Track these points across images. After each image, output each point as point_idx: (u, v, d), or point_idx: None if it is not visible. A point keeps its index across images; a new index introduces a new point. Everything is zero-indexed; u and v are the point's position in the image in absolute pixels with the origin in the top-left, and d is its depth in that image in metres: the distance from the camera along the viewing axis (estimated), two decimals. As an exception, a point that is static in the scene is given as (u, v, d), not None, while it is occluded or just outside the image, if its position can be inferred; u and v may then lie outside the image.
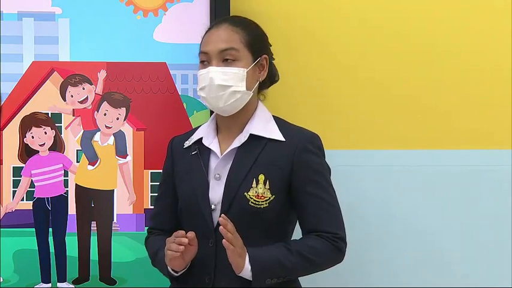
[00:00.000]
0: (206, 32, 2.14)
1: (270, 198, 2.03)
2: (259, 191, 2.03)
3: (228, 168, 2.07)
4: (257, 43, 2.11)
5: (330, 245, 2.03)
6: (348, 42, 2.64)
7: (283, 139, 2.07)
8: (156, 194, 2.27)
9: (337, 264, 2.09)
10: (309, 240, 2.04)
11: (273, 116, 2.15)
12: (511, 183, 2.64)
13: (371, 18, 2.64)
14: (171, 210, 2.18)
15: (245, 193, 2.03)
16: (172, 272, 2.07)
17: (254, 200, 2.02)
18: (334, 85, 2.65)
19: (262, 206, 2.02)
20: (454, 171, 2.64)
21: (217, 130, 2.16)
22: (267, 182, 2.03)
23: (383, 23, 2.64)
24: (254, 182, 2.03)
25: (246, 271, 1.96)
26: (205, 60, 2.09)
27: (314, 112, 2.63)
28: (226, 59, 2.06)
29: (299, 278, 2.14)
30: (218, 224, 2.00)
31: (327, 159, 2.13)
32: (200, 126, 2.21)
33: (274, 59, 2.20)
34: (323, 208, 2.05)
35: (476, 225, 2.65)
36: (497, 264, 2.65)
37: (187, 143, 2.17)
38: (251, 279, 1.97)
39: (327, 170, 2.10)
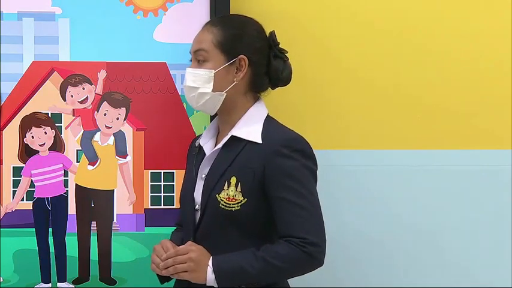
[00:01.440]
0: None
1: (241, 201, 2.00)
2: (230, 194, 2.01)
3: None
4: (232, 43, 2.07)
5: (297, 251, 1.95)
6: (348, 42, 2.64)
7: (260, 141, 2.03)
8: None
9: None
10: (277, 245, 1.98)
11: (268, 116, 2.11)
12: (511, 183, 2.64)
13: (371, 18, 2.64)
14: None
15: (217, 195, 2.02)
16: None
17: (225, 202, 2.01)
18: (334, 85, 2.65)
19: (233, 208, 2.00)
20: (454, 171, 2.64)
21: (219, 130, 2.17)
22: (239, 184, 2.01)
23: (383, 23, 2.64)
24: (226, 184, 2.02)
25: (211, 281, 1.96)
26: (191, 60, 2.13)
27: (314, 112, 2.64)
28: (198, 59, 2.08)
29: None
30: (199, 224, 2.05)
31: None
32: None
33: (283, 58, 2.14)
34: (293, 213, 1.97)
35: (476, 225, 2.65)
36: (497, 264, 2.65)
37: (197, 142, 2.19)
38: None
39: (306, 173, 2.00)
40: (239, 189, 2.01)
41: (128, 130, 2.54)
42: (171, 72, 2.54)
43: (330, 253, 2.01)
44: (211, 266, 1.96)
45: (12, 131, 2.52)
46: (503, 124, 2.65)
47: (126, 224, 2.54)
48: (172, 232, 2.29)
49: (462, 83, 2.65)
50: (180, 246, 2.00)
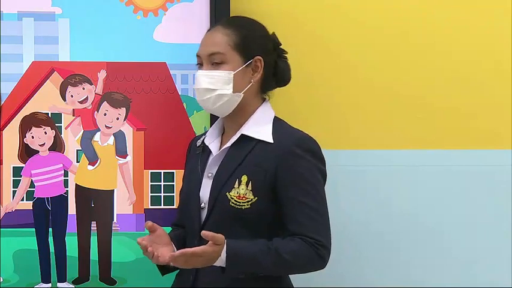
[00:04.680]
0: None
1: (252, 199, 2.01)
2: (241, 192, 2.01)
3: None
4: (249, 45, 2.08)
5: (311, 251, 1.97)
6: (349, 42, 2.64)
7: (272, 141, 2.04)
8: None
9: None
10: (292, 242, 1.98)
11: (276, 117, 2.13)
12: (511, 183, 2.64)
13: (372, 18, 2.64)
14: None
15: (227, 193, 2.02)
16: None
17: (235, 200, 2.01)
18: (334, 85, 2.65)
19: (243, 207, 2.00)
20: (454, 171, 2.64)
21: (224, 130, 2.17)
22: (250, 183, 2.01)
23: (384, 22, 2.64)
24: (237, 182, 2.02)
25: (221, 261, 1.93)
26: (199, 63, 2.11)
27: (314, 112, 2.64)
28: (214, 62, 2.06)
29: (291, 277, 2.13)
30: (204, 223, 2.03)
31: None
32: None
33: (285, 59, 2.16)
34: (306, 214, 1.98)
35: (476, 225, 2.65)
36: (497, 264, 2.65)
37: (198, 142, 2.18)
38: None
39: (316, 175, 2.03)
40: (250, 187, 2.01)
41: (128, 130, 2.54)
42: (171, 72, 2.54)
43: (331, 252, 2.01)
44: (225, 251, 1.92)
45: (12, 131, 2.52)
46: (503, 124, 2.65)
47: (126, 224, 2.54)
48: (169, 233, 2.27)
49: (462, 83, 2.65)
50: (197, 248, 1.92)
